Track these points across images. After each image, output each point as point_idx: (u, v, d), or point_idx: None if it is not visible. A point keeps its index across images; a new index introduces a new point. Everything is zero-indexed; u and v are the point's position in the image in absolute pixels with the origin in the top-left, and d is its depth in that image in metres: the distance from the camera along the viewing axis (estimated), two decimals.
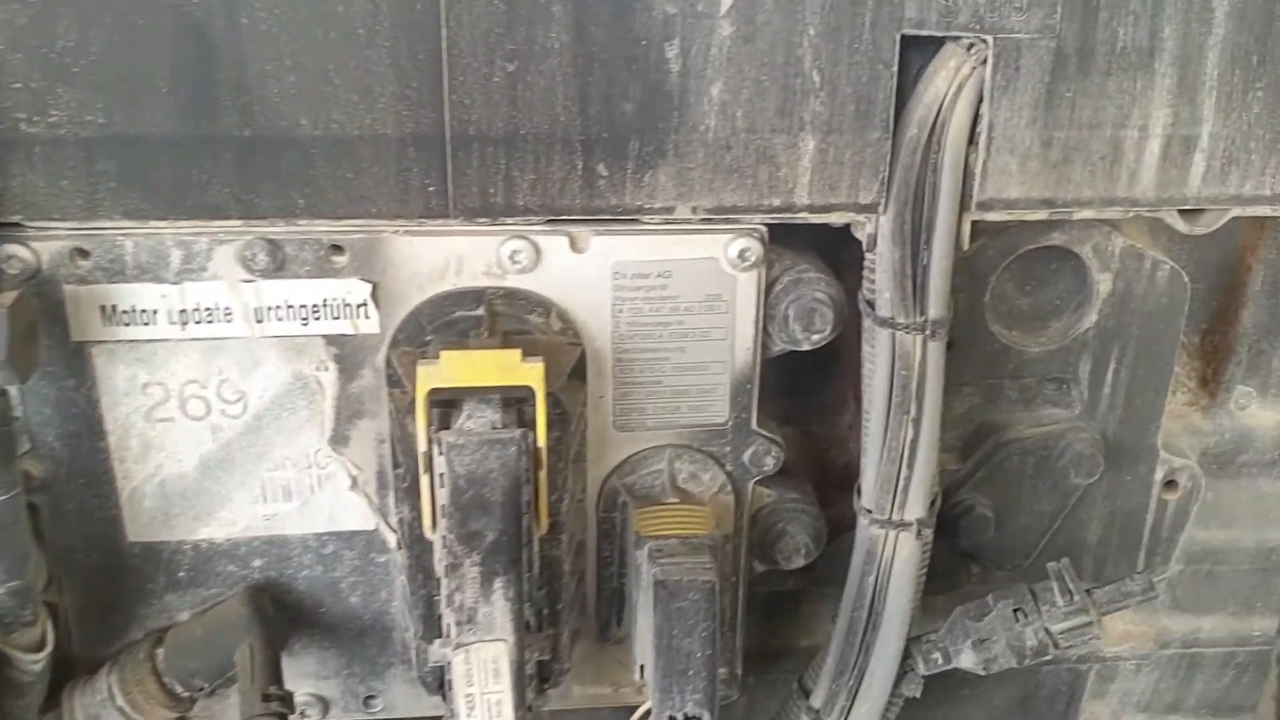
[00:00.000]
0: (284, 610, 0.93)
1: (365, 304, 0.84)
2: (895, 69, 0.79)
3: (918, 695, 0.96)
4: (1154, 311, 0.96)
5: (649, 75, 0.78)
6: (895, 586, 0.91)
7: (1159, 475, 1.03)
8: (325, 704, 0.97)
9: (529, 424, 0.76)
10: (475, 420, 0.75)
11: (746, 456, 0.92)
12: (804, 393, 1.01)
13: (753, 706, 1.06)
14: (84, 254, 0.81)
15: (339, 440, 0.88)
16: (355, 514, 0.91)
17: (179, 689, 0.89)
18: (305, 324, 0.84)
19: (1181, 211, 0.88)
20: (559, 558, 0.85)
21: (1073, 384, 0.99)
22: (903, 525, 0.90)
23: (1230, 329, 1.04)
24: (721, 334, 0.88)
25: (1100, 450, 0.99)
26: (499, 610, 0.75)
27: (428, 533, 0.79)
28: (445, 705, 0.83)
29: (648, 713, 0.85)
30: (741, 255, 0.85)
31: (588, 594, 0.95)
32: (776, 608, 1.07)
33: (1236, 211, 0.88)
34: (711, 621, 0.81)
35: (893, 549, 0.91)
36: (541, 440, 0.77)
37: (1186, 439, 1.06)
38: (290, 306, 0.84)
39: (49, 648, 0.84)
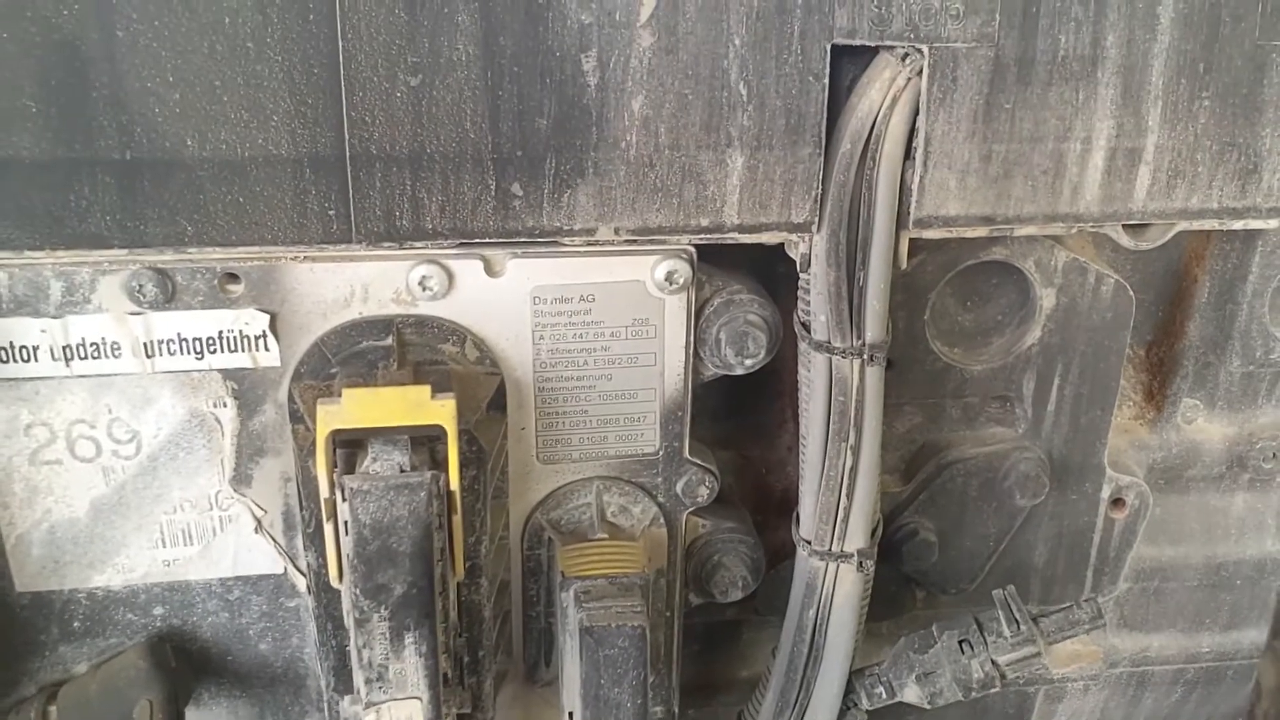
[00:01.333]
0: (189, 660, 0.87)
1: (264, 335, 0.78)
2: (826, 81, 0.75)
3: None
4: (1099, 326, 0.93)
5: (565, 89, 0.73)
6: (836, 620, 0.87)
7: (1106, 493, 1.00)
8: None
9: (441, 464, 0.71)
10: (381, 463, 0.70)
11: (679, 487, 0.87)
12: (740, 415, 0.97)
13: None
14: None
15: (241, 480, 0.82)
16: (262, 557, 0.85)
17: None
18: (200, 358, 0.78)
19: (1126, 226, 0.85)
20: (479, 602, 0.80)
21: (1016, 402, 0.95)
22: (843, 557, 0.85)
23: (1176, 342, 1.01)
24: (650, 360, 0.83)
25: (1045, 470, 0.95)
26: (410, 666, 0.70)
27: (334, 582, 0.73)
28: None
29: None
30: (669, 278, 0.80)
31: (514, 634, 0.90)
32: (715, 638, 1.03)
33: (1183, 226, 0.84)
34: (642, 669, 0.76)
35: (833, 581, 0.86)
36: (455, 483, 0.71)
37: (1133, 454, 1.03)
38: (183, 339, 0.78)
39: None
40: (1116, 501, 1.01)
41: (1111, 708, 1.13)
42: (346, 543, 0.70)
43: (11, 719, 0.85)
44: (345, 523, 0.69)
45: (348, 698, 0.74)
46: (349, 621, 0.72)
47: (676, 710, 0.96)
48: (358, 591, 0.69)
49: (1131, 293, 0.92)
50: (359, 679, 0.71)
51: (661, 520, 0.88)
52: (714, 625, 1.02)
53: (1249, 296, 0.96)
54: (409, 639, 0.70)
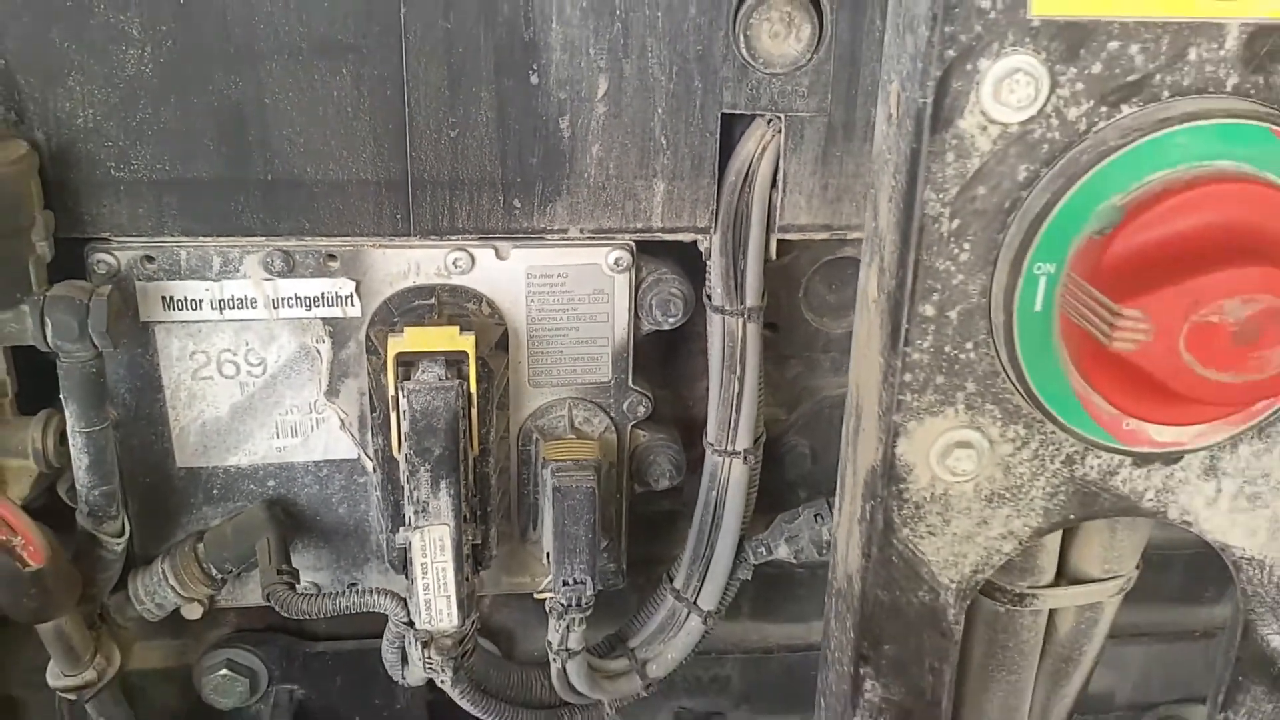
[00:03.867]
0: (290, 518, 1.28)
1: (351, 296, 1.19)
2: (718, 136, 1.14)
3: (748, 577, 1.32)
4: None
5: (548, 140, 1.13)
6: (731, 497, 1.27)
7: None
8: (319, 589, 1.32)
9: (464, 377, 1.12)
10: (427, 374, 1.11)
11: (625, 406, 1.28)
12: (672, 365, 1.37)
13: (639, 597, 1.42)
14: (151, 260, 1.16)
15: (332, 393, 1.23)
16: (343, 446, 1.26)
17: (214, 571, 1.24)
18: (309, 310, 1.19)
19: None
20: (488, 474, 1.20)
21: None
22: (734, 453, 1.26)
23: None
24: (605, 318, 1.24)
25: None
26: (444, 503, 1.11)
27: (394, 453, 1.14)
28: (407, 579, 1.18)
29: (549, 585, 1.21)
30: (617, 262, 1.20)
31: (511, 508, 1.31)
32: (656, 526, 1.43)
33: None
34: (593, 514, 1.16)
35: (728, 471, 1.27)
36: (473, 388, 1.12)
37: None
38: (298, 297, 1.19)
39: (126, 535, 1.18)
40: None
41: None
42: (405, 425, 1.10)
43: (173, 551, 1.26)
44: (403, 411, 1.10)
45: (401, 530, 1.15)
46: (403, 476, 1.12)
47: (625, 569, 1.37)
48: (410, 452, 1.09)
49: None
50: (409, 512, 1.12)
51: (613, 429, 1.28)
52: (655, 515, 1.42)
53: None
54: (442, 485, 1.10)
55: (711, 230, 1.18)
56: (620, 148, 1.14)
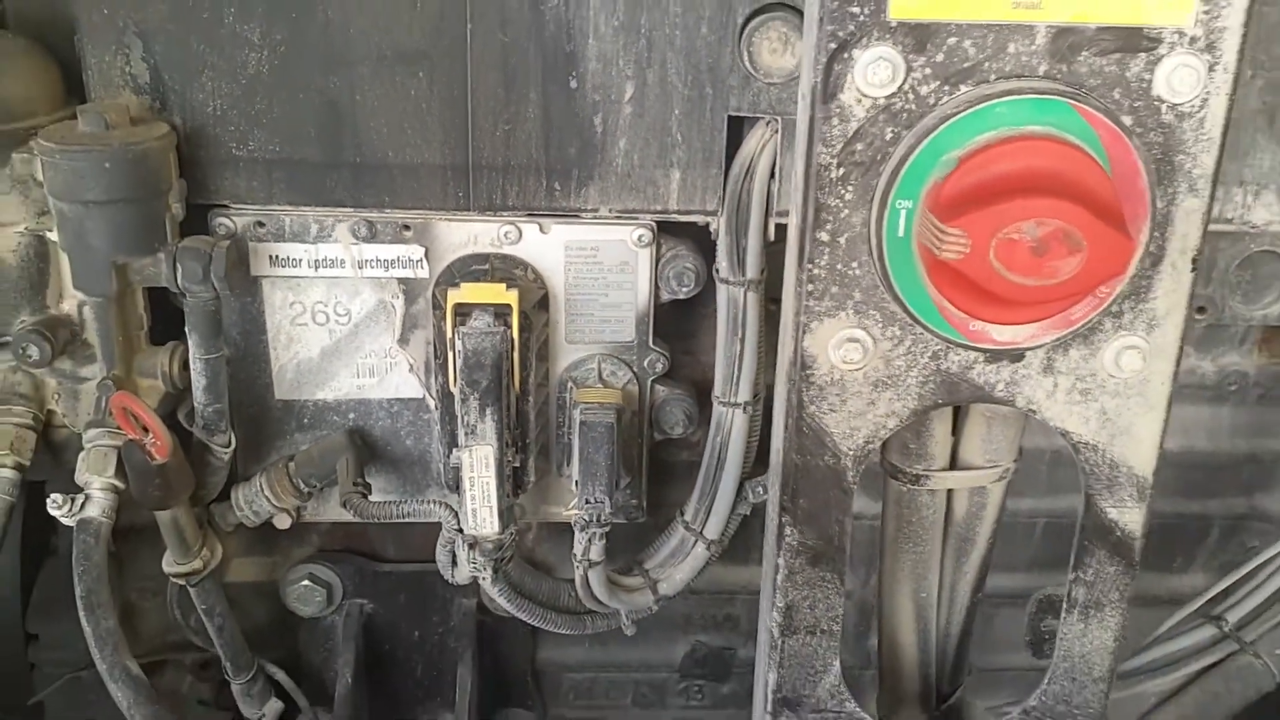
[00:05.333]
0: (366, 446, 1.54)
1: (421, 260, 1.44)
2: (725, 134, 1.37)
3: (748, 512, 1.54)
4: None
5: (584, 134, 1.37)
6: (733, 443, 1.49)
7: None
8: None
9: (509, 325, 1.36)
10: (478, 321, 1.35)
11: (646, 362, 1.51)
12: (688, 330, 1.60)
13: (657, 531, 1.65)
14: (261, 225, 1.42)
15: (404, 341, 1.48)
16: (411, 387, 1.51)
17: (303, 486, 1.50)
18: (387, 270, 1.45)
19: None
20: (527, 412, 1.44)
21: None
22: (737, 405, 1.48)
23: None
24: (629, 286, 1.47)
25: None
26: (489, 427, 1.35)
27: (450, 387, 1.39)
28: (458, 494, 1.42)
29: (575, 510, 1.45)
30: (640, 239, 1.44)
31: (550, 448, 1.55)
32: (674, 473, 1.66)
33: None
34: (611, 445, 1.40)
35: (731, 420, 1.49)
36: (515, 335, 1.36)
37: None
38: (379, 260, 1.44)
39: (232, 448, 1.45)
40: None
41: None
42: (459, 361, 1.35)
43: (269, 469, 1.52)
44: (458, 350, 1.34)
45: (455, 450, 1.39)
46: (457, 405, 1.36)
47: (644, 505, 1.60)
48: (463, 384, 1.33)
49: None
50: (460, 435, 1.36)
51: (635, 382, 1.51)
52: (674, 464, 1.65)
53: None
54: (488, 412, 1.34)
55: (719, 213, 1.41)
56: (644, 142, 1.38)
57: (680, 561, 1.55)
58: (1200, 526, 1.75)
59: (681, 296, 1.47)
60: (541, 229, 1.43)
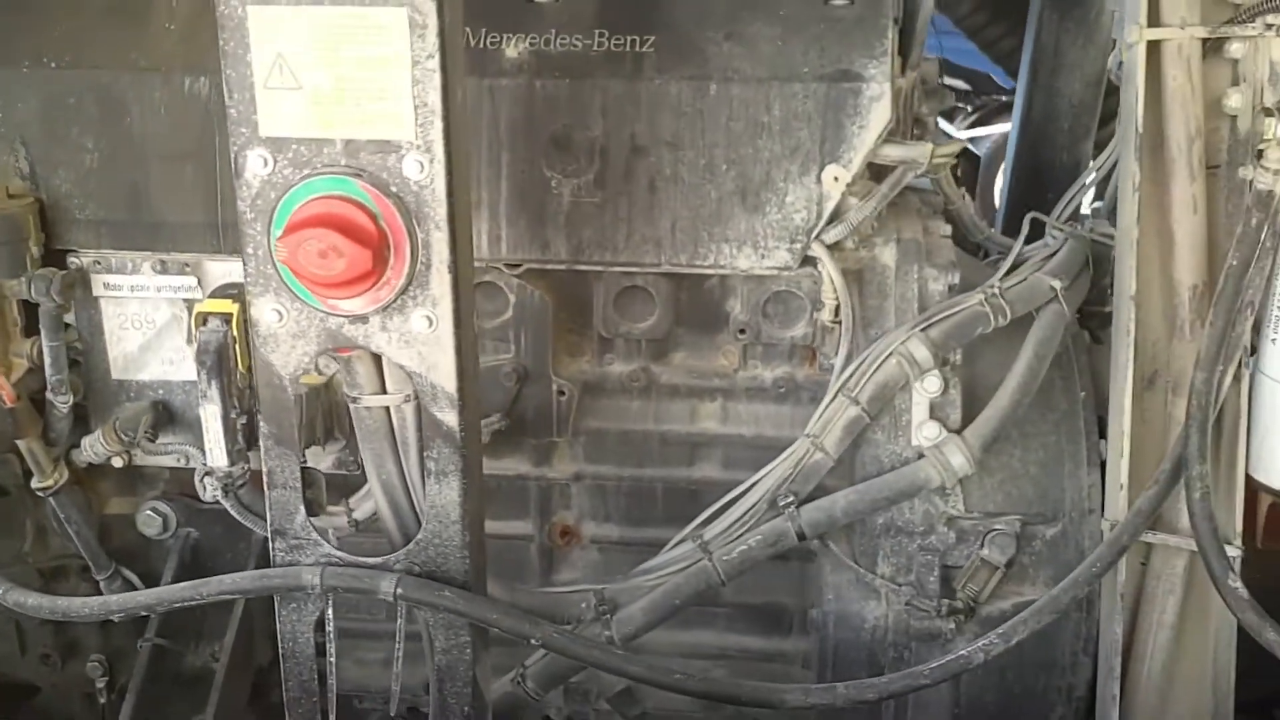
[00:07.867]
0: (168, 413, 2.29)
1: (196, 287, 2.19)
2: None
3: None
4: None
5: None
6: None
7: None
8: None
9: (230, 325, 2.09)
10: (211, 324, 2.09)
11: None
12: None
13: None
14: (98, 263, 2.18)
15: (189, 340, 2.24)
16: None
17: (123, 436, 2.26)
18: (175, 293, 2.20)
19: None
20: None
21: None
22: None
23: None
24: None
25: None
26: (215, 393, 2.08)
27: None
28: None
29: None
30: None
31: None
32: None
33: None
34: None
35: None
36: (236, 332, 2.10)
37: None
38: (170, 286, 2.19)
39: (71, 401, 2.22)
40: None
41: None
42: (196, 350, 2.09)
43: (104, 425, 2.27)
44: (197, 344, 2.08)
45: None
46: (198, 379, 2.10)
47: None
48: (198, 364, 2.07)
49: None
50: (199, 399, 2.09)
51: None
52: None
53: None
54: (213, 383, 2.08)
55: None
56: None
57: None
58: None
59: None
60: None
